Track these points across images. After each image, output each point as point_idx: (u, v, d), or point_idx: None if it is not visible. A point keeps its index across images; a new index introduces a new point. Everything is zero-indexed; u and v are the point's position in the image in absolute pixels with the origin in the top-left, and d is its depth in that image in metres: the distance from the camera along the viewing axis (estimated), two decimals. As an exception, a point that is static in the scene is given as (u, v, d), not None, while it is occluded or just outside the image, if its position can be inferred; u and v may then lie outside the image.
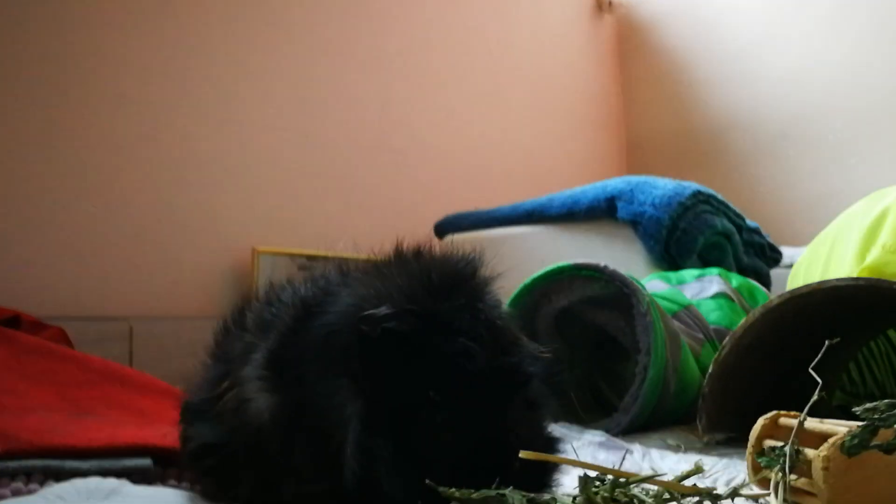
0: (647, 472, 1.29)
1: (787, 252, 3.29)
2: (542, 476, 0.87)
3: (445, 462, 0.82)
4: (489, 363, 0.85)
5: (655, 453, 1.41)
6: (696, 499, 0.81)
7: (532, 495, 0.70)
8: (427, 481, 0.75)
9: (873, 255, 1.87)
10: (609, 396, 2.07)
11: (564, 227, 2.86)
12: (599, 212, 2.71)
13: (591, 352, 2.05)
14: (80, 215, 2.68)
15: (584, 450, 1.43)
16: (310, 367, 0.95)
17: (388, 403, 0.85)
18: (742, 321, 1.50)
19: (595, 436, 1.50)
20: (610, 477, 0.78)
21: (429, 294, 0.89)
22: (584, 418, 1.80)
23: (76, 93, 2.63)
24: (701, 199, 2.62)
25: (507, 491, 0.69)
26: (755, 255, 2.94)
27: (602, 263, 1.76)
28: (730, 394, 1.58)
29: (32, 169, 2.54)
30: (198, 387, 1.20)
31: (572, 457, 0.91)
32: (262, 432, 0.99)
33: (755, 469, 1.11)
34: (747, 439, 1.61)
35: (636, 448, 1.44)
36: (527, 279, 1.84)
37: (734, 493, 0.72)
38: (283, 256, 3.35)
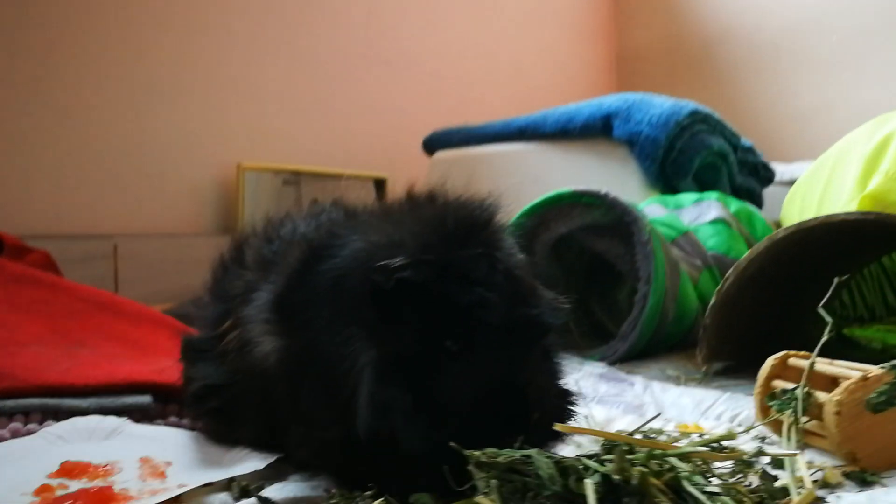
0: (648, 405, 1.29)
1: (778, 169, 3.27)
2: (557, 420, 0.86)
3: (462, 413, 0.80)
4: (507, 314, 0.83)
5: (657, 386, 1.41)
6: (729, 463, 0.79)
7: (558, 457, 0.68)
8: (452, 444, 0.73)
9: (875, 183, 1.85)
10: (603, 320, 2.06)
11: (558, 145, 2.81)
12: (595, 130, 2.65)
13: (586, 276, 2.04)
14: (62, 132, 2.59)
15: (585, 381, 1.43)
16: (318, 312, 0.92)
17: (403, 354, 0.83)
18: (746, 253, 1.48)
19: (595, 367, 1.50)
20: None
21: (444, 242, 0.86)
22: (581, 344, 1.79)
23: (57, 13, 2.51)
24: (698, 119, 2.57)
25: (534, 454, 0.68)
26: (748, 174, 2.91)
27: (603, 191, 1.72)
28: (729, 324, 1.57)
29: (10, 86, 2.44)
30: (198, 325, 1.17)
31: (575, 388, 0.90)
32: (267, 376, 0.97)
33: (763, 409, 1.11)
34: (745, 369, 1.62)
35: (637, 380, 1.44)
36: (525, 206, 1.81)
37: (760, 453, 0.71)
38: (269, 172, 3.28)
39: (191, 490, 0.90)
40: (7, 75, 2.42)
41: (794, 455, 0.71)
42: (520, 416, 0.80)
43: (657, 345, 1.77)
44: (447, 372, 0.81)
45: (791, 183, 3.44)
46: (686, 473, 0.61)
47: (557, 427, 0.65)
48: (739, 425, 1.20)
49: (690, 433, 1.12)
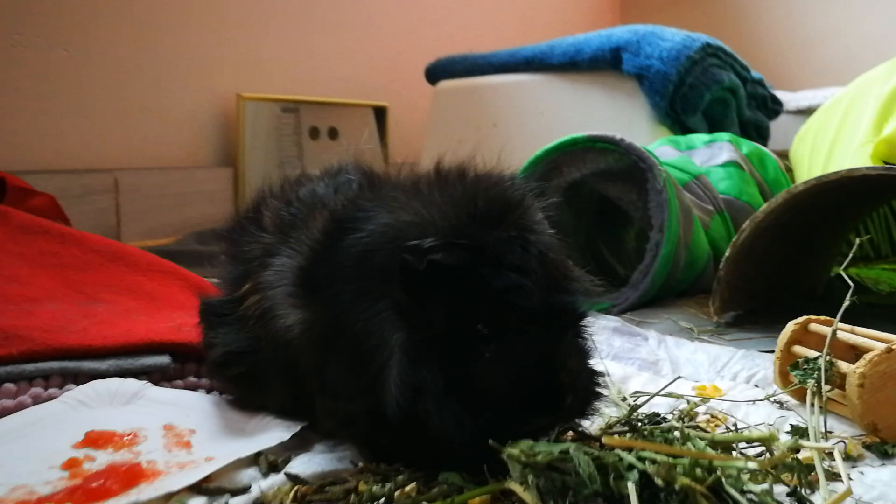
0: (663, 362, 1.30)
1: (783, 98, 3.21)
2: (584, 407, 0.86)
3: (495, 399, 0.80)
4: (542, 300, 0.82)
5: (671, 341, 1.41)
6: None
7: (596, 452, 0.68)
8: (490, 442, 0.73)
9: (892, 127, 1.82)
10: (611, 261, 2.06)
11: (565, 77, 2.75)
12: (603, 63, 2.60)
13: (594, 218, 2.02)
14: (58, 64, 2.52)
15: (600, 335, 1.43)
16: (345, 287, 0.90)
17: (434, 336, 0.82)
18: (764, 206, 1.47)
19: (609, 321, 1.50)
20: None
21: (476, 222, 0.84)
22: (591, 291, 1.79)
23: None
24: (709, 53, 2.52)
25: (572, 450, 0.68)
26: (757, 108, 2.87)
27: (618, 136, 1.69)
28: (742, 274, 1.57)
29: (4, 18, 2.36)
30: (218, 286, 1.16)
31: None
32: (291, 347, 0.96)
33: (782, 374, 1.12)
34: (756, 318, 1.63)
35: (651, 335, 1.44)
36: (538, 150, 1.78)
37: (796, 447, 0.71)
38: (268, 102, 3.22)
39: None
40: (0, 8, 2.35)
41: (831, 449, 0.71)
42: (553, 402, 0.80)
43: (667, 292, 1.77)
44: (479, 356, 0.80)
45: (796, 113, 3.41)
46: (732, 478, 0.61)
47: (605, 440, 0.64)
48: (756, 386, 1.20)
49: (710, 397, 1.13)
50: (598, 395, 0.86)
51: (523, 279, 0.80)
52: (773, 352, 1.34)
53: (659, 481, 0.62)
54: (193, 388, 1.20)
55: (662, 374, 1.28)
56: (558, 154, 1.76)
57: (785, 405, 1.10)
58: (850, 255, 1.23)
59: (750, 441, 0.69)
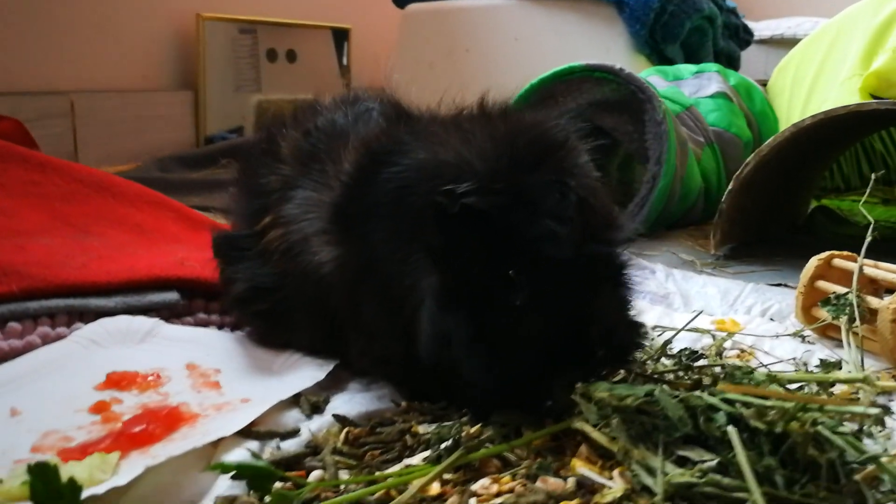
0: (674, 295, 1.30)
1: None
2: (619, 357, 0.83)
3: (524, 348, 0.77)
4: (577, 250, 0.77)
5: (678, 274, 1.41)
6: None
7: (680, 394, 0.67)
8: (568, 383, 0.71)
9: (882, 60, 1.83)
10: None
11: (542, 3, 2.68)
12: (582, -11, 2.54)
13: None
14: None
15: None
16: (379, 224, 0.86)
17: (465, 282, 0.79)
18: (769, 140, 1.47)
19: (614, 253, 1.49)
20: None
21: (515, 165, 0.79)
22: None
23: None
24: (690, -20, 2.48)
25: (658, 392, 0.66)
26: (729, 37, 2.86)
27: (617, 66, 1.66)
28: (742, 207, 1.58)
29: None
30: (232, 220, 1.11)
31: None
32: (324, 284, 0.93)
33: (805, 310, 1.13)
34: (752, 251, 1.65)
35: (658, 268, 1.44)
36: (534, 79, 1.74)
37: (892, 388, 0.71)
38: (226, 23, 3.08)
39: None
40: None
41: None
42: (583, 355, 0.77)
43: (659, 224, 1.77)
44: (510, 305, 0.77)
45: (759, 43, 3.41)
46: (830, 422, 0.60)
47: (721, 386, 0.63)
48: (772, 319, 1.21)
49: (730, 331, 1.13)
50: (636, 347, 0.84)
51: (559, 227, 0.76)
52: (781, 285, 1.37)
53: (757, 423, 0.61)
54: (204, 325, 1.16)
55: (674, 307, 1.28)
56: (555, 83, 1.72)
57: (807, 339, 1.11)
58: (865, 195, 1.24)
59: (845, 382, 0.68)
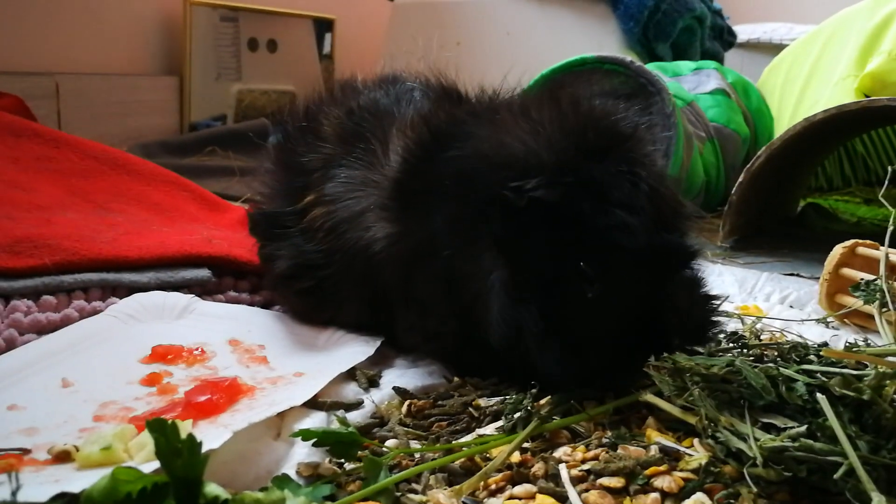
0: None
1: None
2: (700, 337, 0.83)
3: (598, 341, 0.78)
4: (649, 240, 0.77)
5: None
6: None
7: (761, 366, 0.69)
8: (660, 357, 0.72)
9: (877, 62, 1.88)
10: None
11: (534, -1, 2.71)
12: (576, -15, 2.57)
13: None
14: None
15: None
16: (441, 206, 0.86)
17: (535, 274, 0.79)
18: (781, 133, 1.50)
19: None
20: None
21: (584, 155, 0.79)
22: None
23: None
24: (682, -21, 2.52)
25: (739, 363, 0.68)
26: (714, 38, 2.91)
27: (628, 58, 1.69)
28: (748, 200, 1.61)
29: None
30: (267, 196, 1.10)
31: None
32: (374, 261, 0.93)
33: (829, 297, 1.16)
34: (758, 245, 1.68)
35: (673, 256, 1.46)
36: (545, 69, 1.75)
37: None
38: (208, 10, 3.04)
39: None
40: None
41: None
42: (659, 344, 0.78)
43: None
44: (582, 296, 0.77)
45: (737, 46, 3.48)
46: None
47: (825, 352, 0.65)
48: (791, 307, 1.24)
49: (754, 316, 1.16)
50: (712, 325, 0.85)
51: (630, 217, 0.76)
52: (794, 275, 1.40)
53: (844, 391, 0.63)
54: (235, 302, 1.15)
55: (693, 294, 1.30)
56: (565, 74, 1.74)
57: (830, 325, 1.14)
58: (885, 183, 1.27)
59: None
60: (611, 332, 0.78)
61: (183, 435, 0.72)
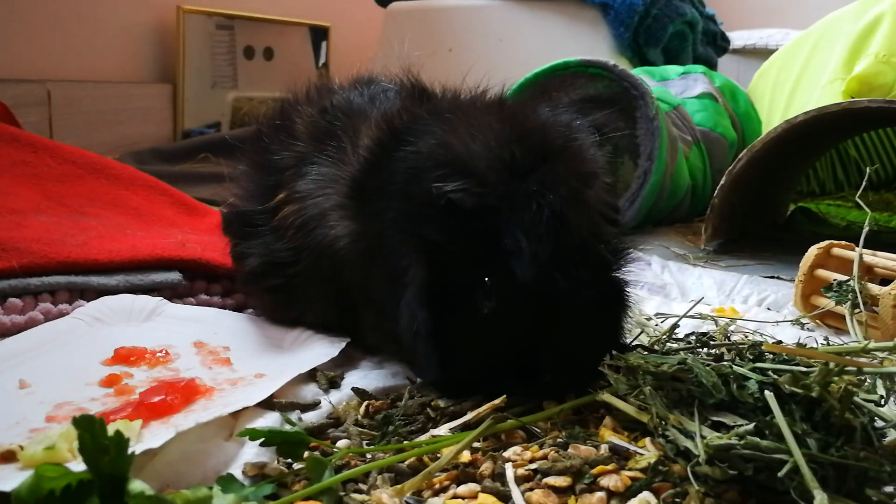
0: (671, 286, 1.31)
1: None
2: (570, 385, 0.80)
3: (479, 354, 0.78)
4: (537, 275, 0.74)
5: (674, 266, 1.43)
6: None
7: (713, 364, 0.68)
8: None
9: (864, 65, 1.87)
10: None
11: (526, 4, 2.70)
12: (567, -9, 2.57)
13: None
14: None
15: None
16: (391, 203, 0.86)
17: (445, 277, 0.79)
18: (762, 136, 1.49)
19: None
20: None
21: (510, 168, 0.79)
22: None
23: None
24: (673, -16, 2.52)
25: (691, 361, 0.67)
26: (707, 43, 2.91)
27: (611, 62, 1.68)
28: (731, 203, 1.60)
29: None
30: (241, 196, 1.09)
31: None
32: (338, 259, 0.92)
33: (804, 298, 1.15)
34: (741, 249, 1.67)
35: (653, 259, 1.46)
36: (529, 73, 1.75)
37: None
38: (204, 18, 3.04)
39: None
40: None
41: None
42: (531, 376, 0.78)
43: (647, 220, 1.79)
44: (479, 310, 0.77)
45: (733, 52, 3.48)
46: (864, 387, 0.62)
47: (766, 347, 0.64)
48: (769, 309, 1.23)
49: (730, 318, 1.15)
50: (589, 378, 0.80)
51: (526, 244, 0.75)
52: (774, 277, 1.39)
53: (792, 388, 0.62)
54: (206, 305, 1.14)
55: (672, 297, 1.29)
56: (549, 78, 1.74)
57: (806, 326, 1.13)
58: (862, 185, 1.26)
59: (877, 350, 0.69)
60: (491, 351, 0.79)
61: (132, 435, 0.72)
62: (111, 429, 0.70)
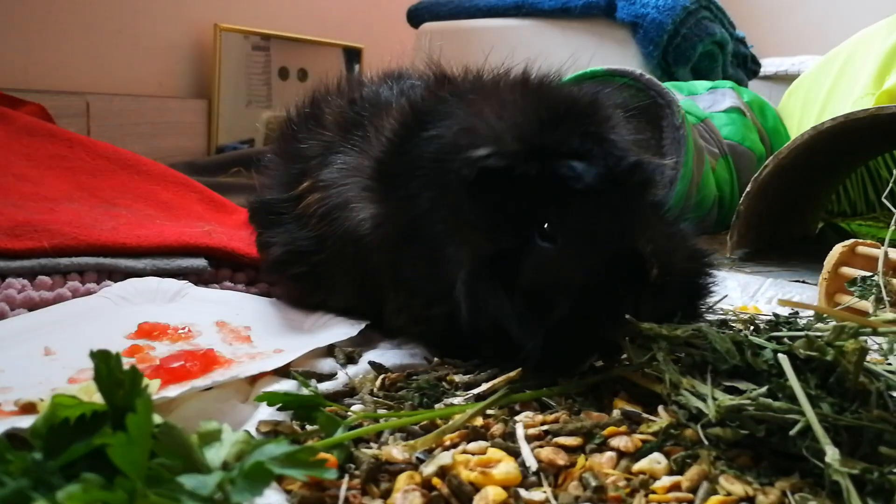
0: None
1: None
2: (693, 306, 0.80)
3: (571, 293, 0.74)
4: (601, 174, 0.73)
5: (697, 269, 1.42)
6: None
7: (728, 332, 0.67)
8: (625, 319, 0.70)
9: (894, 80, 1.86)
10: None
11: (556, 24, 2.73)
12: (597, 9, 2.58)
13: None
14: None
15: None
16: (422, 187, 0.87)
17: (500, 250, 0.78)
18: (788, 142, 1.49)
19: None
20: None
21: (538, 126, 0.79)
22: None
23: None
24: (702, 5, 2.53)
25: (704, 328, 0.67)
26: (737, 66, 2.91)
27: (637, 71, 1.69)
28: (758, 211, 1.59)
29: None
30: (268, 185, 1.11)
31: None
32: (362, 243, 0.93)
33: (829, 296, 1.14)
34: (768, 257, 1.66)
35: (677, 263, 1.45)
36: (555, 83, 1.76)
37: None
38: (241, 38, 3.11)
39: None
40: None
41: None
42: (636, 276, 0.74)
43: (674, 230, 1.78)
44: (548, 257, 0.76)
45: (763, 79, 3.47)
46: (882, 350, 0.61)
47: (780, 301, 0.64)
48: (792, 309, 1.22)
49: (758, 314, 1.14)
50: (705, 274, 0.82)
51: (576, 163, 0.75)
52: (800, 281, 1.38)
53: (807, 352, 0.62)
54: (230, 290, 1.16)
55: (695, 298, 1.28)
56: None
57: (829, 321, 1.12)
58: (889, 187, 1.25)
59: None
60: (583, 280, 0.74)
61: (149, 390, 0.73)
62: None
